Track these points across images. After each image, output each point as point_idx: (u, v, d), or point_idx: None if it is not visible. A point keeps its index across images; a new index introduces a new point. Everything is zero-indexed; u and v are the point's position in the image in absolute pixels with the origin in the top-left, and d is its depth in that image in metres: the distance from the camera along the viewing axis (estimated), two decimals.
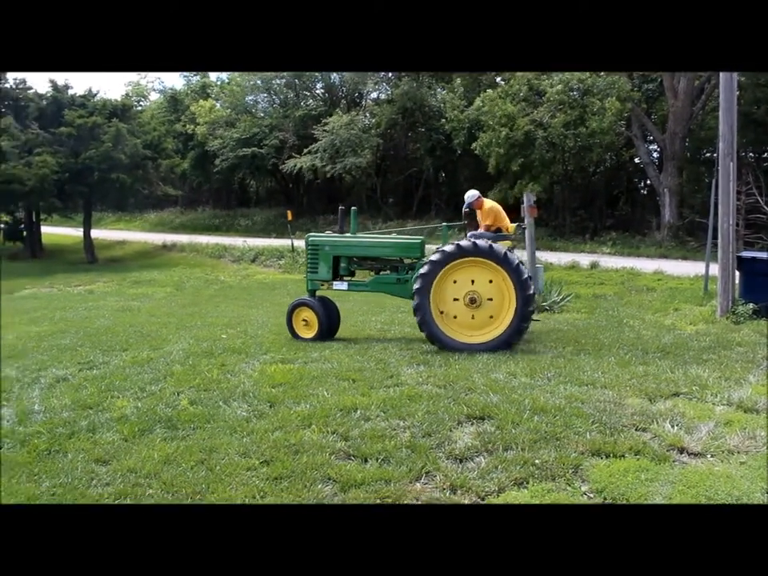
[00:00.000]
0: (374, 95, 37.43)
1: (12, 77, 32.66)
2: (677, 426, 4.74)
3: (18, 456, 4.34)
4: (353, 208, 9.09)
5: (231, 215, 38.18)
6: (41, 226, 33.32)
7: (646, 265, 18.89)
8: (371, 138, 30.91)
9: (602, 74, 23.70)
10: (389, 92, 34.17)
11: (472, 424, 4.81)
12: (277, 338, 8.74)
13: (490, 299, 7.64)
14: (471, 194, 9.01)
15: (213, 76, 45.93)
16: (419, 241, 8.59)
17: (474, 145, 25.52)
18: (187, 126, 38.36)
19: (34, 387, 6.22)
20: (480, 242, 7.63)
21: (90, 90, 31.59)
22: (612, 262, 19.78)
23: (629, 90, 24.15)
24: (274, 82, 36.83)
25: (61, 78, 41.20)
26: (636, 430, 4.68)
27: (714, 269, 12.46)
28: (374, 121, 32.99)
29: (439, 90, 32.24)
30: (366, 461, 4.11)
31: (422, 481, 3.86)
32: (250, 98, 38.03)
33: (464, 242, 7.67)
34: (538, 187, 22.97)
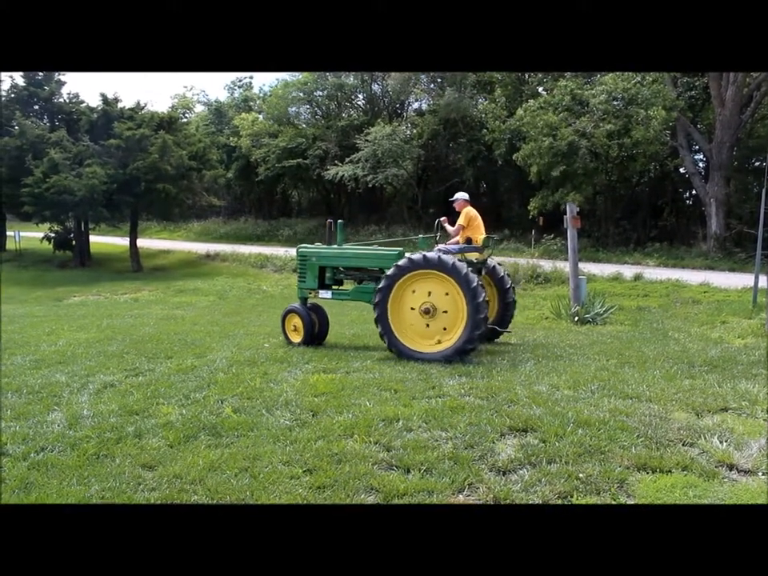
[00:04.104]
0: (415, 105, 37.60)
1: (66, 92, 33.75)
2: (726, 441, 4.62)
3: (68, 459, 4.44)
4: (339, 221, 9.55)
5: (273, 225, 38.62)
6: (89, 236, 34.17)
7: (692, 276, 18.54)
8: (413, 148, 31.02)
9: (646, 82, 23.41)
10: (430, 102, 34.28)
11: (515, 436, 4.77)
12: (318, 347, 8.80)
13: (445, 311, 7.80)
14: (462, 194, 9.24)
15: (255, 88, 46.73)
16: (396, 252, 8.63)
17: (515, 155, 25.41)
18: (231, 138, 39.04)
19: (83, 392, 6.35)
20: (430, 254, 7.83)
21: (138, 103, 32.44)
22: (656, 273, 19.47)
23: (674, 98, 23.79)
24: (315, 93, 37.27)
25: (110, 91, 42.25)
26: (683, 445, 4.58)
27: (764, 281, 12.18)
28: (415, 131, 33.11)
29: (481, 100, 32.22)
30: (408, 471, 4.10)
31: (465, 492, 3.84)
32: (292, 109, 38.51)
33: (415, 256, 7.87)
34: (579, 197, 22.75)
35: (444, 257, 7.72)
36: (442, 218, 9.36)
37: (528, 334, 10.97)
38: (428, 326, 7.89)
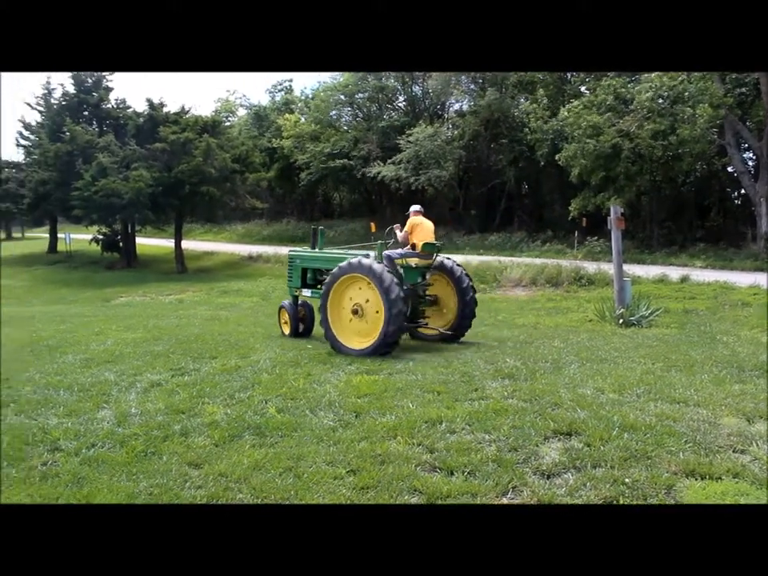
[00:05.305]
0: (456, 107, 37.46)
1: (113, 97, 34.56)
2: None
3: (117, 456, 4.54)
4: (320, 228, 11.02)
5: (315, 227, 38.81)
6: (136, 238, 34.91)
7: (741, 278, 18.06)
8: (454, 149, 30.89)
9: (693, 79, 22.91)
10: (472, 103, 34.11)
11: (559, 440, 4.71)
12: None
13: (372, 310, 8.48)
14: (414, 207, 10.02)
15: (297, 91, 47.14)
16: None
17: (558, 156, 25.12)
18: (272, 140, 39.40)
19: (131, 391, 6.48)
20: (353, 260, 8.58)
21: (183, 108, 33.01)
22: (703, 275, 19.03)
23: (722, 95, 23.21)
24: (357, 96, 37.40)
25: (156, 96, 43.04)
26: (733, 451, 4.46)
27: None
28: (456, 132, 32.98)
29: (522, 100, 31.95)
30: (452, 473, 4.09)
31: (509, 496, 3.81)
32: (333, 112, 38.72)
33: (344, 263, 8.67)
34: (621, 201, 22.30)
35: (364, 260, 8.47)
36: (395, 225, 10.03)
37: (572, 336, 10.84)
38: (353, 323, 8.65)
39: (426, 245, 9.29)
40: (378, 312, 8.32)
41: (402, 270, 9.03)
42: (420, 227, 9.55)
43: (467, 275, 9.75)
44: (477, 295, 9.91)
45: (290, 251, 10.99)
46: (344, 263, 8.66)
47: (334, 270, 8.79)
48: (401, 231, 9.73)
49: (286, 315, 10.47)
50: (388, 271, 8.30)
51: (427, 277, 9.58)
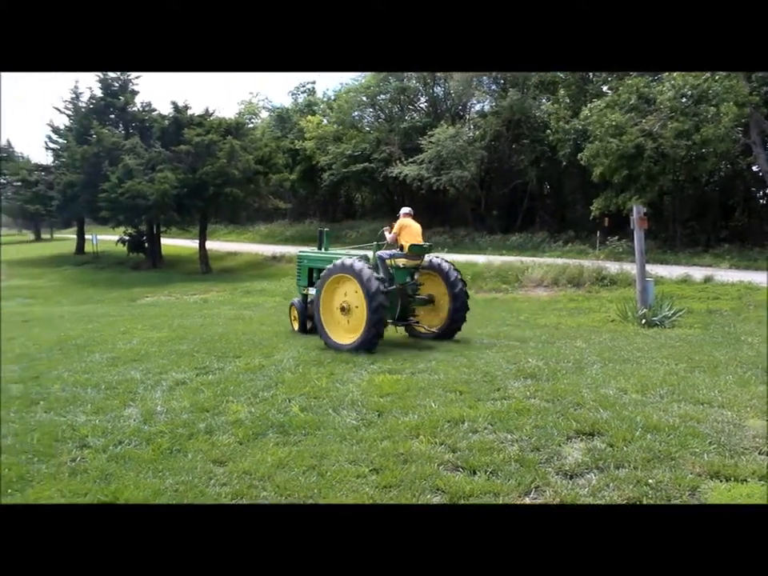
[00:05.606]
0: (477, 107, 37.33)
1: (139, 100, 34.99)
2: None
3: (144, 453, 4.62)
4: (326, 229, 11.81)
5: (337, 227, 38.96)
6: (161, 238, 35.27)
7: (766, 279, 17.76)
8: (476, 150, 30.77)
9: (717, 77, 22.58)
10: (493, 104, 33.97)
11: (581, 440, 4.71)
12: (384, 348, 8.87)
13: (357, 307, 8.88)
14: (404, 209, 10.40)
15: (319, 93, 47.27)
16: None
17: (580, 155, 24.93)
18: (295, 142, 39.57)
19: (157, 389, 6.58)
20: (338, 261, 9.04)
21: (207, 110, 33.25)
22: (728, 275, 18.77)
23: (747, 93, 22.85)
24: (378, 97, 37.41)
25: (180, 99, 43.43)
26: (759, 453, 4.42)
27: None
28: (477, 133, 32.86)
29: (544, 100, 31.75)
30: (474, 473, 4.10)
31: (532, 495, 3.82)
32: (355, 113, 38.77)
33: (331, 264, 9.12)
34: (643, 201, 22.02)
35: (347, 260, 8.90)
36: (386, 228, 10.39)
37: (594, 336, 10.79)
38: (342, 320, 9.07)
39: (412, 246, 9.59)
40: (361, 308, 8.68)
41: (392, 270, 9.49)
42: (408, 229, 9.88)
43: (461, 280, 9.95)
44: (499, 295, 10.09)
45: (299, 252, 11.62)
46: (331, 265, 9.12)
47: (323, 272, 9.28)
48: (390, 233, 10.04)
49: (296, 312, 11.07)
50: (368, 268, 8.71)
51: (416, 277, 9.87)
